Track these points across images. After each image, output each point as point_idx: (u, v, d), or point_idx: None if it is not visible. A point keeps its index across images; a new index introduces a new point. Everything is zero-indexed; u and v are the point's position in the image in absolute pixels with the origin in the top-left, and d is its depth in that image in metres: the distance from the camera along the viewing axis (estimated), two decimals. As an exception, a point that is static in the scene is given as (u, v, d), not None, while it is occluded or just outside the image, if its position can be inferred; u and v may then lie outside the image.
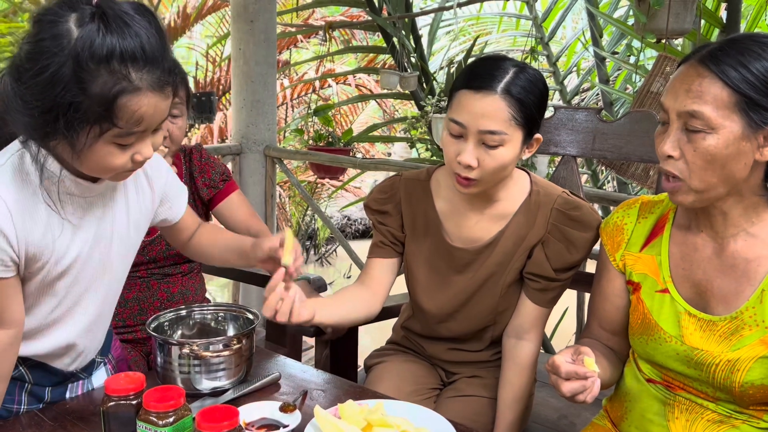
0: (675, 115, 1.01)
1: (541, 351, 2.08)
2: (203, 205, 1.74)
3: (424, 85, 4.38)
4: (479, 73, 1.22)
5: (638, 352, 1.18)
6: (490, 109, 1.20)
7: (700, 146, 0.98)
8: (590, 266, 2.08)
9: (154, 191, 1.22)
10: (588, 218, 1.32)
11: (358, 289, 1.44)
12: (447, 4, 4.52)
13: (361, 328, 1.69)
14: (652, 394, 1.16)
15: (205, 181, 1.71)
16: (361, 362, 1.73)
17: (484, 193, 1.33)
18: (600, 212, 4.20)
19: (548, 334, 3.40)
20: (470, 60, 1.25)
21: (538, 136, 1.29)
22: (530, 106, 1.22)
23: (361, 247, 3.73)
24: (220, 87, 6.10)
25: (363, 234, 8.25)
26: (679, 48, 3.69)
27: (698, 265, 1.10)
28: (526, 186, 1.37)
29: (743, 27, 3.66)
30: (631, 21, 3.80)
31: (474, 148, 1.22)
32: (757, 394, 1.03)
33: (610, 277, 1.22)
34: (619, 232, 1.20)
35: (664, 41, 2.96)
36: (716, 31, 3.47)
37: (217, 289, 5.60)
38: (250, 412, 1.12)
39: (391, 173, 1.57)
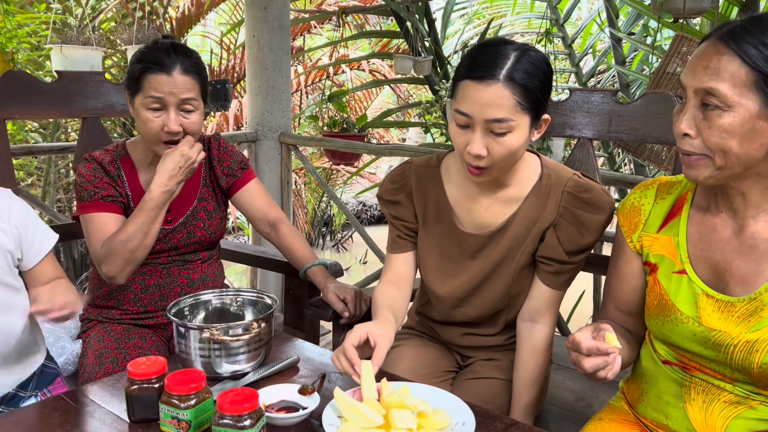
0: (692, 92, 1.00)
1: (558, 334, 2.09)
2: (222, 193, 1.75)
3: (438, 69, 4.35)
4: (480, 61, 1.20)
5: (654, 333, 1.18)
6: (495, 98, 1.18)
7: (716, 123, 0.97)
8: (606, 249, 2.07)
9: (5, 230, 1.31)
10: (600, 200, 1.31)
11: (392, 292, 1.42)
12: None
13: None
14: (668, 376, 1.16)
15: (224, 170, 1.73)
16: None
17: (496, 178, 1.32)
18: (617, 195, 4.17)
19: (564, 318, 3.39)
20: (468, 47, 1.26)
21: (546, 116, 1.27)
22: (535, 90, 1.20)
23: (377, 233, 3.74)
24: (235, 74, 6.11)
25: (378, 220, 8.26)
26: (697, 27, 3.64)
27: (717, 246, 1.09)
28: (536, 169, 1.36)
29: (762, 6, 3.59)
30: (647, 1, 3.75)
31: (482, 138, 1.21)
32: None
33: (627, 259, 1.22)
34: (636, 213, 1.19)
35: (681, 21, 2.92)
36: (735, 10, 3.41)
37: (235, 275, 5.66)
38: (269, 395, 1.14)
39: (406, 158, 1.57)
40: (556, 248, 1.33)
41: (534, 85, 1.20)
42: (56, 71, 2.00)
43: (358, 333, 1.18)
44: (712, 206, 1.11)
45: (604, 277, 1.92)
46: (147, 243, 1.53)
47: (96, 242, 1.55)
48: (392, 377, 1.25)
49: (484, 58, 1.20)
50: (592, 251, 1.71)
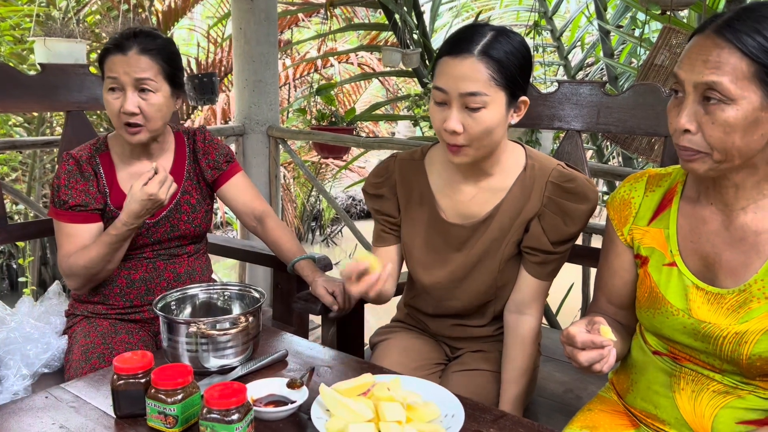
0: (691, 86, 0.98)
1: (547, 326, 2.09)
2: (207, 186, 1.74)
3: (427, 62, 4.34)
4: (458, 39, 1.24)
5: (645, 325, 1.18)
6: (469, 72, 1.20)
7: (719, 118, 0.96)
8: (595, 241, 2.08)
9: None
10: (583, 189, 1.32)
11: None
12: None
13: (366, 307, 1.70)
14: (658, 366, 1.16)
15: (209, 163, 1.72)
16: (367, 340, 1.74)
17: (478, 165, 1.33)
18: (605, 187, 4.18)
19: (554, 310, 3.40)
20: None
21: (524, 98, 1.28)
22: (510, 67, 1.22)
23: (367, 227, 3.72)
24: (222, 68, 6.06)
25: (368, 214, 8.24)
26: (685, 20, 3.65)
27: (707, 238, 1.09)
28: (521, 159, 1.37)
29: (750, -4, 3.60)
30: (635, -7, 3.74)
31: (458, 113, 1.22)
32: (764, 366, 1.03)
33: (618, 252, 1.22)
34: (626, 206, 1.19)
35: (668, 13, 2.93)
36: (722, 2, 3.42)
37: (224, 270, 5.64)
38: (258, 389, 1.13)
39: (395, 152, 1.57)
40: (540, 238, 1.34)
41: (509, 62, 1.21)
42: (39, 64, 1.96)
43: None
44: (702, 198, 1.11)
45: (593, 269, 1.92)
46: (110, 267, 1.57)
47: (63, 252, 1.57)
48: (383, 370, 1.25)
49: (462, 36, 1.24)
50: (581, 243, 1.71)
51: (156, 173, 1.49)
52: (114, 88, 1.52)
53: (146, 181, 1.48)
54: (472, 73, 1.20)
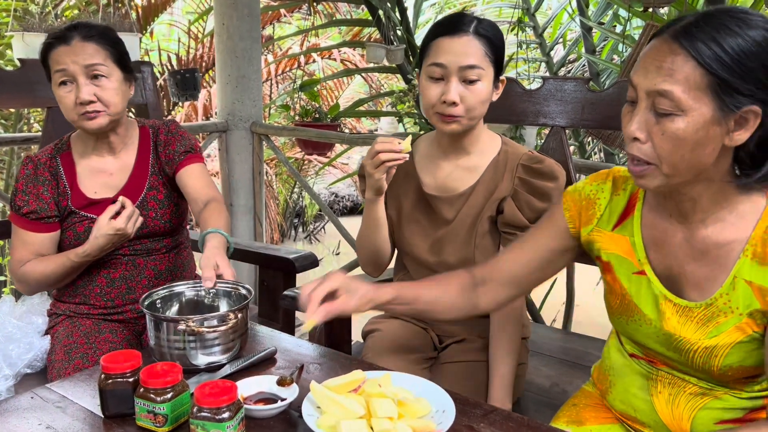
0: (644, 93, 0.94)
1: (533, 322, 2.11)
2: (169, 180, 1.67)
3: (411, 58, 4.34)
4: (449, 22, 1.38)
5: (619, 330, 1.17)
6: (468, 47, 1.35)
7: (669, 129, 0.92)
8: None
9: None
10: (551, 168, 1.44)
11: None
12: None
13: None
14: (635, 369, 1.15)
15: (168, 154, 1.65)
16: (353, 336, 1.74)
17: (459, 142, 1.46)
18: (587, 183, 4.19)
19: (537, 306, 3.42)
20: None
21: (503, 77, 1.44)
22: (498, 45, 1.38)
23: (350, 224, 3.71)
24: (203, 64, 6.01)
25: (351, 210, 8.23)
26: (665, 17, 3.68)
27: (669, 250, 1.07)
28: (497, 145, 1.50)
29: (729, -5, 3.65)
30: (617, -10, 3.77)
31: (456, 86, 1.35)
32: (736, 374, 1.03)
33: (552, 236, 1.19)
34: (592, 206, 1.15)
35: (651, 10, 2.95)
36: (702, 0, 3.46)
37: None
38: (247, 387, 1.12)
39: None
40: (515, 214, 1.43)
41: (497, 40, 1.38)
42: (19, 59, 1.93)
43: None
44: (662, 209, 1.08)
45: (576, 264, 1.94)
46: (62, 283, 1.59)
47: (16, 257, 1.57)
48: (372, 366, 1.25)
49: (452, 19, 1.39)
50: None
51: (123, 207, 1.46)
52: (65, 82, 1.49)
53: (113, 215, 1.45)
54: (470, 48, 1.35)
